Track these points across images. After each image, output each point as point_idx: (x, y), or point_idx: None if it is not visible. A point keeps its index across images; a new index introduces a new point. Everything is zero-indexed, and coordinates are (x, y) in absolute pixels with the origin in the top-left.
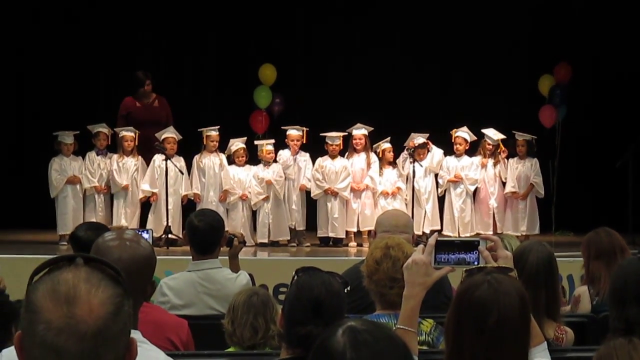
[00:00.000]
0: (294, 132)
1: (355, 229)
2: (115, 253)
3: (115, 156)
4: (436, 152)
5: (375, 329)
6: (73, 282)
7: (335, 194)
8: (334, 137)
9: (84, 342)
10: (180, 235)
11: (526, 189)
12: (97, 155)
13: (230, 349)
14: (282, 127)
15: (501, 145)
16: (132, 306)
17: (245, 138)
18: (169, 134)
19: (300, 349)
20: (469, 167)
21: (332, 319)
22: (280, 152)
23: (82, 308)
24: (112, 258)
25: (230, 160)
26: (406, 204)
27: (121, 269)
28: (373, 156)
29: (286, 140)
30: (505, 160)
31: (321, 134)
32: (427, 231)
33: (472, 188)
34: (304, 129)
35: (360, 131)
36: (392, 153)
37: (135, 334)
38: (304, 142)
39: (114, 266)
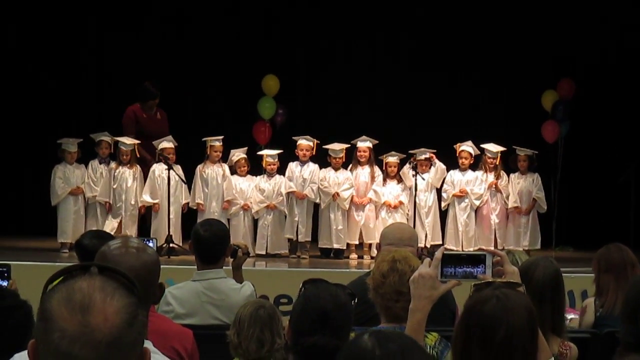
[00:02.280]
0: (304, 142)
1: (357, 242)
2: (123, 261)
3: (112, 164)
4: (439, 167)
5: (399, 332)
6: (88, 290)
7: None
8: (337, 150)
9: (98, 351)
10: (181, 244)
11: (529, 204)
12: (100, 163)
13: None
14: (293, 137)
15: (498, 160)
16: (145, 315)
17: (247, 148)
18: (167, 143)
19: None
20: (474, 182)
21: (338, 330)
22: (290, 164)
23: (97, 317)
24: (120, 266)
25: (232, 171)
26: (407, 219)
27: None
28: (377, 169)
29: (296, 150)
30: (506, 175)
31: (324, 147)
32: (428, 245)
33: (477, 203)
34: (315, 140)
35: (365, 144)
36: (396, 167)
37: (147, 344)
38: (314, 153)
39: (128, 275)
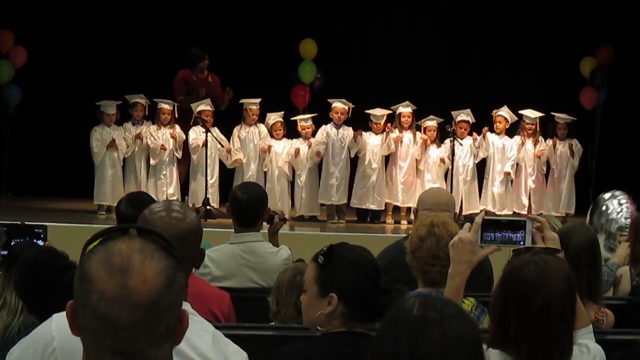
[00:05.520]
0: (339, 105)
1: (399, 203)
2: (163, 226)
3: (153, 127)
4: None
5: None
6: (127, 252)
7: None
8: (378, 116)
9: (136, 313)
10: (218, 207)
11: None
12: (133, 125)
13: (273, 324)
14: (328, 100)
15: (537, 126)
16: (184, 278)
17: (283, 112)
18: (205, 106)
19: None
20: (510, 147)
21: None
22: (324, 127)
23: (135, 279)
24: (160, 231)
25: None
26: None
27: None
28: (419, 134)
29: (331, 113)
30: (544, 140)
31: (366, 111)
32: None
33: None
34: (350, 104)
35: (407, 109)
36: (435, 132)
37: (186, 306)
38: (348, 116)
39: (167, 238)
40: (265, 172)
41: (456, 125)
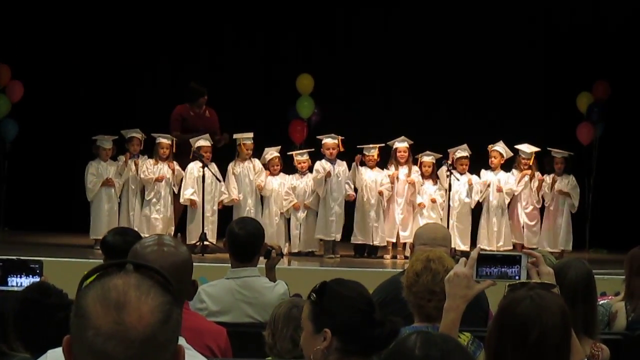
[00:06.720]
0: (329, 141)
1: (394, 239)
2: (154, 259)
3: (149, 161)
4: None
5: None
6: (123, 288)
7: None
8: (370, 148)
9: (132, 349)
10: (215, 242)
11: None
12: (129, 158)
13: (269, 358)
14: (317, 137)
15: (532, 161)
16: (180, 314)
17: (280, 147)
18: (204, 141)
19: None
20: (506, 180)
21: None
22: (319, 162)
23: (131, 315)
24: (151, 265)
25: (265, 168)
26: (441, 218)
27: None
28: (415, 168)
29: (322, 149)
30: (540, 175)
31: (358, 146)
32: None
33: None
34: (339, 137)
35: (403, 144)
36: (431, 167)
37: (181, 341)
38: (340, 150)
39: (164, 273)
40: (262, 203)
41: (456, 162)
